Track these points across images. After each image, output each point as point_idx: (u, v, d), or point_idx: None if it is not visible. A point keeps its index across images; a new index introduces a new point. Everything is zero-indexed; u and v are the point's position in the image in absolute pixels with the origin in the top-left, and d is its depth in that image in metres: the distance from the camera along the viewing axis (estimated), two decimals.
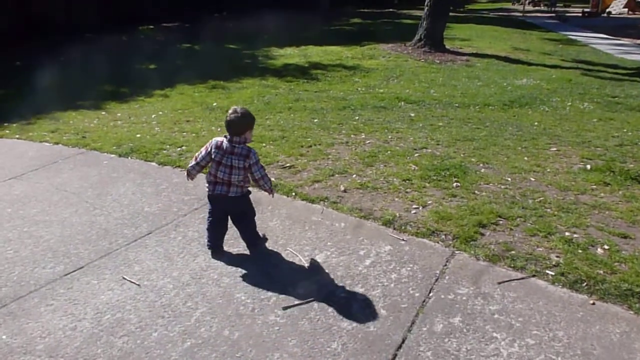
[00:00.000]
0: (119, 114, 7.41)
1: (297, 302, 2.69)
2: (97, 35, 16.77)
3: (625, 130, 6.14)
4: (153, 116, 7.14)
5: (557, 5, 31.30)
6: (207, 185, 3.17)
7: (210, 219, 3.26)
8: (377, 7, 32.46)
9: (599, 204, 3.86)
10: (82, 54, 13.07)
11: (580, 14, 25.19)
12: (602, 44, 14.99)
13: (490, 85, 8.95)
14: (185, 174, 3.27)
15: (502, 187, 4.15)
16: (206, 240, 3.30)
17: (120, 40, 17.82)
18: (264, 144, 5.43)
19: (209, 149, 3.12)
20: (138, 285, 2.94)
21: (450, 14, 24.37)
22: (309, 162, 4.82)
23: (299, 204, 3.92)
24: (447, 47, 12.59)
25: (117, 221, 3.81)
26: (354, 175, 4.43)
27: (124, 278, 3.02)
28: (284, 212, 3.79)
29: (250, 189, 3.21)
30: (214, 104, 7.82)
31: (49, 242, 3.49)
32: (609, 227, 3.46)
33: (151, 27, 21.89)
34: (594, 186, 4.24)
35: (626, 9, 26.47)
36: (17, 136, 6.24)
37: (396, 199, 3.90)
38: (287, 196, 4.06)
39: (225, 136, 3.11)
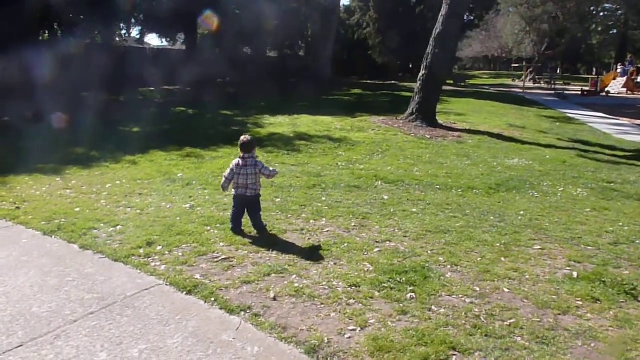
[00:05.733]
0: (73, 182, 6.87)
1: None
2: (94, 94, 16.69)
3: (621, 223, 5.45)
4: (108, 186, 6.59)
5: (557, 83, 31.58)
6: (233, 189, 4.64)
7: (234, 210, 4.66)
8: (381, 78, 33.05)
9: (583, 329, 3.12)
10: (70, 114, 12.81)
11: (579, 92, 25.16)
12: (600, 123, 14.57)
13: (479, 164, 8.39)
14: (221, 188, 4.75)
15: (467, 301, 3.42)
16: (230, 224, 4.69)
17: (116, 100, 17.80)
18: (208, 227, 4.79)
19: (232, 168, 4.59)
20: None
21: (451, 88, 24.62)
22: (249, 254, 4.15)
23: (215, 314, 3.21)
24: (440, 122, 12.21)
25: None
26: (294, 276, 3.73)
27: None
28: (192, 325, 3.07)
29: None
30: (179, 174, 7.29)
31: None
32: None
33: (151, 89, 22.07)
34: (580, 302, 3.51)
35: (625, 89, 26.44)
36: None
37: (332, 314, 3.18)
38: (205, 302, 3.35)
39: (239, 156, 4.60)
